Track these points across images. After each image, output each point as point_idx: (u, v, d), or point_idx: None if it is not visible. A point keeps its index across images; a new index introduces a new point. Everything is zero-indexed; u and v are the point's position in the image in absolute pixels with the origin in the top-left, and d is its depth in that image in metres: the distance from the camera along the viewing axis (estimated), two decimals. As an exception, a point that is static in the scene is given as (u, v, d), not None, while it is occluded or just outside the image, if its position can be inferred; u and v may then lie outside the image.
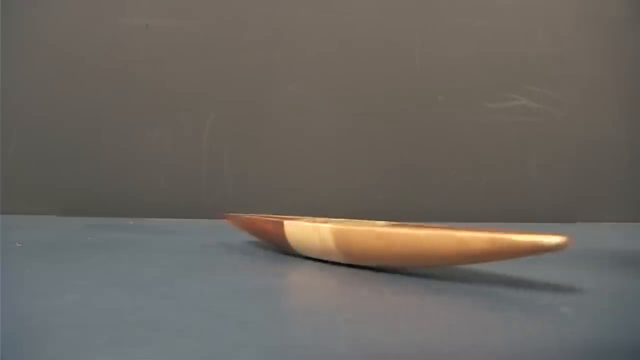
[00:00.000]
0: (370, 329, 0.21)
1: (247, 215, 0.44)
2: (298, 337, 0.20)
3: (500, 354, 0.18)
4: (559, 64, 0.72)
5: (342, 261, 0.34)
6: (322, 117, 0.72)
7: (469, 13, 0.72)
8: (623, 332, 0.21)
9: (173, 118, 0.72)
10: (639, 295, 0.29)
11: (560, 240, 0.25)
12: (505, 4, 0.72)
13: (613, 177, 0.71)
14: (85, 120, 0.72)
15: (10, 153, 0.72)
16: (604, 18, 0.72)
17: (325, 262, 0.35)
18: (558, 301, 0.26)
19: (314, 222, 0.38)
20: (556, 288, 0.30)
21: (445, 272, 0.34)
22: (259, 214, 0.46)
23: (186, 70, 0.72)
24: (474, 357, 0.18)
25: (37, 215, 0.69)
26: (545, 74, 0.72)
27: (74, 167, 0.72)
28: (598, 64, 0.72)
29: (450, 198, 0.71)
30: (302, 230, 0.35)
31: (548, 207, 0.71)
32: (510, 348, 0.19)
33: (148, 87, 0.72)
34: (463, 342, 0.19)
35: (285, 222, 0.36)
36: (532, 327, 0.22)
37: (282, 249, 0.39)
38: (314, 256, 0.36)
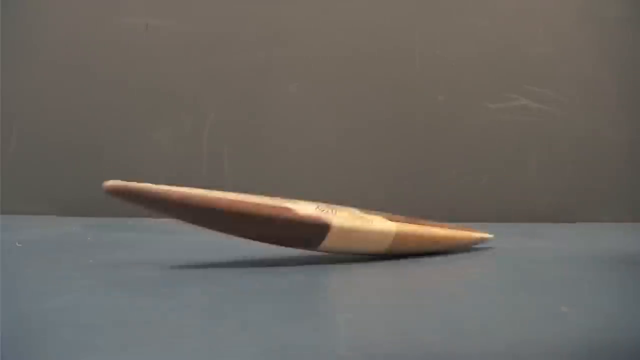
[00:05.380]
0: (370, 329, 0.21)
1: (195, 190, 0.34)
2: (298, 337, 0.20)
3: (500, 354, 0.18)
4: (559, 64, 0.72)
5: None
6: (322, 117, 0.72)
7: (469, 13, 0.72)
8: (623, 332, 0.21)
9: (173, 118, 0.72)
10: (639, 295, 0.29)
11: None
12: (505, 4, 0.72)
13: (613, 177, 0.71)
14: (85, 120, 0.72)
15: (10, 153, 0.72)
16: (604, 18, 0.72)
17: (323, 259, 0.35)
18: (558, 301, 0.26)
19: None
20: (556, 288, 0.30)
21: (444, 273, 0.34)
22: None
23: (186, 70, 0.72)
24: (474, 356, 0.18)
25: (37, 215, 0.69)
26: (545, 74, 0.72)
27: (74, 167, 0.72)
28: (598, 64, 0.71)
29: (450, 198, 0.71)
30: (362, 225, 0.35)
31: (548, 207, 0.71)
32: (510, 348, 0.19)
33: (148, 87, 0.72)
34: (463, 342, 0.19)
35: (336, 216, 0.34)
36: (532, 327, 0.22)
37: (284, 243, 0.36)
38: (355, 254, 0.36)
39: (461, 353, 0.18)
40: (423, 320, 0.23)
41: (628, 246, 0.50)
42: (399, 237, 0.37)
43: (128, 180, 0.31)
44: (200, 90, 0.72)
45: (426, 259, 0.39)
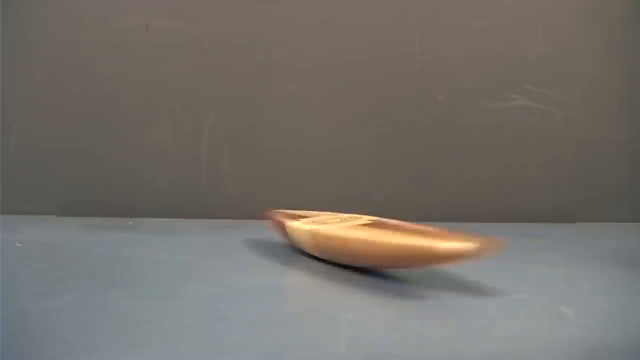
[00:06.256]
0: (370, 329, 0.21)
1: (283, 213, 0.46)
2: (298, 337, 0.20)
3: (500, 353, 0.18)
4: (559, 64, 0.72)
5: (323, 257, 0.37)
6: (322, 117, 0.72)
7: (469, 13, 0.72)
8: (623, 331, 0.21)
9: (173, 118, 0.72)
10: (638, 294, 0.29)
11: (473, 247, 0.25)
12: (505, 4, 0.72)
13: (613, 177, 0.71)
14: (85, 120, 0.72)
15: (10, 153, 0.72)
16: (604, 18, 0.71)
17: (324, 261, 0.35)
18: (558, 301, 0.26)
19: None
20: (556, 288, 0.30)
21: (443, 275, 0.34)
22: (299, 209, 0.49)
23: (186, 70, 0.72)
24: (474, 356, 0.18)
25: (37, 215, 0.69)
26: (545, 74, 0.72)
27: (74, 167, 0.72)
28: (598, 64, 0.71)
29: (450, 198, 0.71)
30: (297, 232, 0.39)
31: (548, 207, 0.71)
32: (510, 348, 0.19)
33: (148, 87, 0.72)
34: (463, 342, 0.19)
35: (287, 224, 0.39)
36: (533, 327, 0.22)
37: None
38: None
39: (461, 353, 0.18)
40: (423, 320, 0.23)
41: (628, 246, 0.50)
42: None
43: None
44: (200, 90, 0.72)
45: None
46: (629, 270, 0.36)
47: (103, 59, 0.72)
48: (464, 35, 0.71)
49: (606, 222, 0.68)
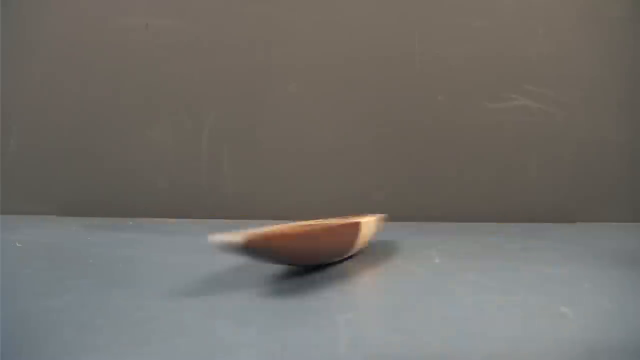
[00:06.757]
0: (370, 329, 0.21)
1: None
2: (298, 337, 0.20)
3: (500, 354, 0.18)
4: (559, 64, 0.72)
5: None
6: (322, 117, 0.72)
7: (469, 13, 0.72)
8: (623, 331, 0.21)
9: (173, 118, 0.72)
10: (638, 294, 0.29)
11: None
12: (505, 4, 0.72)
13: (613, 177, 0.71)
14: (85, 120, 0.72)
15: (10, 153, 0.72)
16: (604, 18, 0.71)
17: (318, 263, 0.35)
18: (558, 301, 0.26)
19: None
20: (556, 288, 0.30)
21: (442, 275, 0.34)
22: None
23: (186, 70, 0.72)
24: (474, 356, 0.18)
25: (37, 215, 0.69)
26: (545, 74, 0.72)
27: (74, 167, 0.72)
28: (598, 64, 0.71)
29: (450, 198, 0.71)
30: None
31: (548, 207, 0.71)
32: (510, 348, 0.19)
33: (148, 87, 0.72)
34: (463, 342, 0.20)
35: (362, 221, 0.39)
36: (532, 327, 0.22)
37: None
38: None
39: (461, 353, 0.18)
40: (423, 320, 0.23)
41: (628, 246, 0.50)
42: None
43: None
44: (200, 90, 0.72)
45: (425, 258, 0.39)
46: (629, 270, 0.36)
47: (103, 59, 0.72)
48: (464, 35, 0.71)
49: (606, 222, 0.68)
